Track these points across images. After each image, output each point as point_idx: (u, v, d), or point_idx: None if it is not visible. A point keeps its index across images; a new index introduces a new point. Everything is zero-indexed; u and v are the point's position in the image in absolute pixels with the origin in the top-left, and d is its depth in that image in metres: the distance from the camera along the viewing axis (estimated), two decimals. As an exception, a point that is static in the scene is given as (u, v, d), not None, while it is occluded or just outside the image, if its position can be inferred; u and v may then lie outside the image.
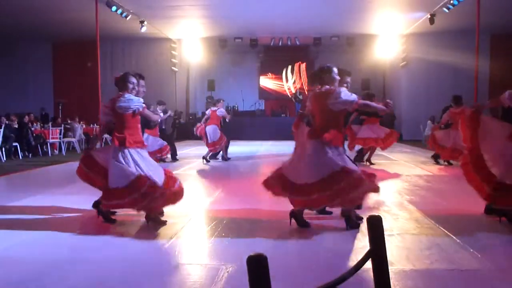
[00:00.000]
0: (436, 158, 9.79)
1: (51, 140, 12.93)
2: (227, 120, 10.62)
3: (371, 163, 9.68)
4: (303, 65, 19.06)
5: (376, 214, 1.03)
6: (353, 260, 3.44)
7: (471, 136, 4.64)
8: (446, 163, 9.55)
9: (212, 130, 10.26)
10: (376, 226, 0.97)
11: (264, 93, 20.82)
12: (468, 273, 3.14)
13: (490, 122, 4.73)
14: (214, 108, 10.48)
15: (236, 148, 10.97)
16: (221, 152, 10.74)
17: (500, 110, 6.49)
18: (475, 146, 4.58)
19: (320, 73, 4.34)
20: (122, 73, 4.61)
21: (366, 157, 9.82)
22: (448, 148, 9.04)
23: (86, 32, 14.28)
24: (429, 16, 14.49)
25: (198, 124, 10.78)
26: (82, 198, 5.39)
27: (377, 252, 0.96)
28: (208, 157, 10.36)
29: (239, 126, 16.38)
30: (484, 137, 4.57)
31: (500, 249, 3.71)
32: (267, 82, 20.97)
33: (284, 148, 13.84)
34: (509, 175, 4.29)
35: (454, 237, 3.90)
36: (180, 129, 18.85)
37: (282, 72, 19.52)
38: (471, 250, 3.54)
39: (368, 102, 4.61)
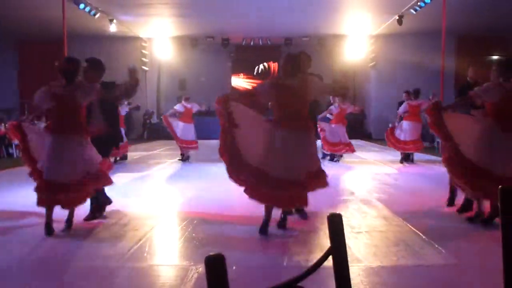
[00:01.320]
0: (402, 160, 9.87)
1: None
2: (202, 109, 10.13)
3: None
4: (275, 64, 19.11)
5: (338, 212, 1.04)
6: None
7: (438, 131, 4.66)
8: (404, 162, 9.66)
9: (186, 128, 9.90)
10: (336, 224, 0.99)
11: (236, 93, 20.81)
12: (433, 268, 3.22)
13: (455, 117, 4.67)
14: (188, 105, 9.96)
15: (207, 148, 10.89)
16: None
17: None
18: (448, 142, 4.53)
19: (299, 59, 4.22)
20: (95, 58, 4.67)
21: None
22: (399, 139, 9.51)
23: (53, 30, 13.87)
24: (397, 18, 14.77)
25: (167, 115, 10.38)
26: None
27: (337, 249, 0.98)
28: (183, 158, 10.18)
29: (211, 125, 16.30)
30: (458, 133, 4.50)
31: (463, 245, 3.82)
32: (239, 81, 20.94)
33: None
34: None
35: (420, 234, 3.99)
36: (151, 129, 18.64)
37: (253, 72, 19.46)
38: (436, 246, 3.63)
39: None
